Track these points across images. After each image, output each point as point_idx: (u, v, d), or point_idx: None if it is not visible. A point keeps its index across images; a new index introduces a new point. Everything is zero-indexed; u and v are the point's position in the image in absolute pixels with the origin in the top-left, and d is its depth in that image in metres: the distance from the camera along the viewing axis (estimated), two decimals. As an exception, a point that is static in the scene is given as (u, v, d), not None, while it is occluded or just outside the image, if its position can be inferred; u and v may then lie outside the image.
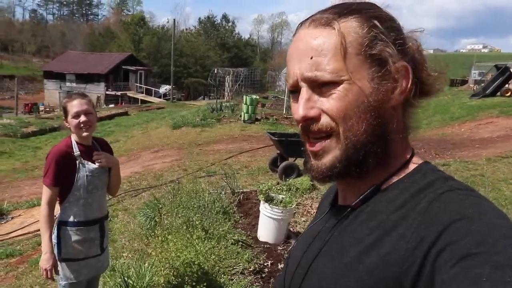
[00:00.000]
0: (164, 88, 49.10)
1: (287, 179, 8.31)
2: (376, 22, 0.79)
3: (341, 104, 0.78)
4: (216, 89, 26.42)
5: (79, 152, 2.88)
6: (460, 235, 0.62)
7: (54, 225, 2.86)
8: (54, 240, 2.84)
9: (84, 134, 2.87)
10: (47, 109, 40.02)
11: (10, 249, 6.34)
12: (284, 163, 8.97)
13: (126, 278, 3.78)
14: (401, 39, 0.81)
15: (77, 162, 2.86)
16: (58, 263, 2.83)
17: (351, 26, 0.79)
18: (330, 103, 0.78)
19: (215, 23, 76.15)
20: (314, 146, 0.83)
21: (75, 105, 2.84)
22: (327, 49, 0.78)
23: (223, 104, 22.19)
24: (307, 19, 0.84)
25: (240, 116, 19.01)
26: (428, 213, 0.69)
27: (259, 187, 5.35)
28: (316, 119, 0.80)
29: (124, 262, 4.42)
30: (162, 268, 3.81)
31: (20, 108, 37.86)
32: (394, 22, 0.83)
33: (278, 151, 9.69)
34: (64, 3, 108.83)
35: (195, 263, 3.79)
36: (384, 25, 0.80)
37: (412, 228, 0.69)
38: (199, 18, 78.43)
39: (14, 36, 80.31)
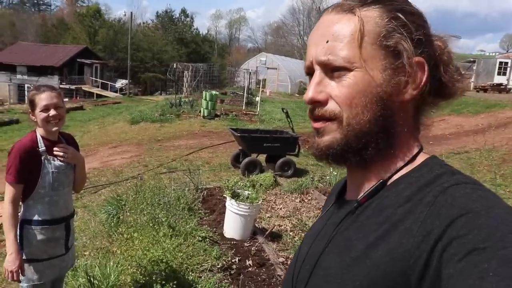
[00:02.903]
0: (120, 83, 48.07)
1: (250, 175, 8.32)
2: (398, 14, 0.79)
3: (349, 91, 0.79)
4: (175, 84, 26.08)
5: (44, 148, 2.74)
6: (467, 229, 0.62)
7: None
8: (18, 239, 2.70)
9: (54, 128, 2.73)
10: (-4, 102, 38.39)
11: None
12: (247, 159, 8.97)
13: (91, 278, 3.66)
14: (423, 35, 0.80)
15: (43, 158, 2.72)
16: None
17: (372, 15, 0.79)
18: (339, 89, 0.80)
19: (173, 17, 75.03)
20: (317, 123, 0.84)
21: (44, 98, 2.69)
22: (344, 35, 0.79)
23: (182, 100, 21.93)
24: (332, 5, 0.85)
25: (200, 111, 18.84)
26: (435, 206, 0.69)
27: (225, 183, 5.31)
28: (323, 103, 0.82)
29: (87, 262, 4.27)
30: (129, 267, 3.72)
31: (-33, 101, 36.16)
32: (418, 17, 0.82)
33: (240, 147, 9.68)
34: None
35: (163, 261, 3.72)
36: (405, 19, 0.79)
37: (419, 222, 0.69)
38: (157, 12, 77.44)
39: (-42, 24, 76.33)
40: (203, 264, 4.08)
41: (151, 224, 4.41)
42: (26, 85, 40.45)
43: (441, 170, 0.77)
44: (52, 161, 2.76)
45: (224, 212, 5.33)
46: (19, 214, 2.74)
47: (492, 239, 0.59)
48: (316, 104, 0.83)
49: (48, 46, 49.74)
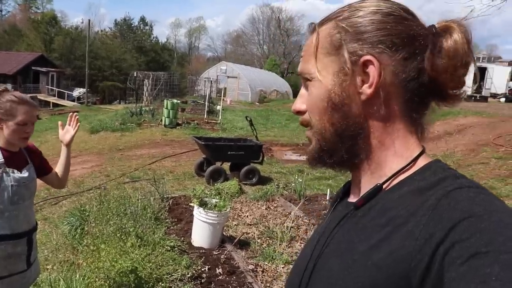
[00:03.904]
0: (77, 92, 46.93)
1: (215, 183, 8.28)
2: (343, 23, 0.84)
3: (310, 99, 0.89)
4: (136, 93, 25.67)
5: (3, 160, 2.54)
6: (469, 233, 0.62)
7: None
8: None
9: (23, 144, 2.62)
10: None
11: None
12: (211, 168, 8.93)
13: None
14: (381, 35, 0.80)
15: (0, 171, 2.52)
16: None
17: (325, 28, 0.88)
18: (306, 98, 0.91)
19: (132, 25, 74.07)
20: (306, 133, 0.93)
21: (25, 112, 2.54)
22: (308, 50, 0.90)
23: (143, 109, 21.62)
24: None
25: (161, 120, 18.63)
26: (437, 210, 0.69)
27: (192, 191, 5.27)
28: (302, 112, 0.92)
29: (50, 276, 4.13)
30: (96, 279, 3.63)
31: None
32: (384, 19, 0.82)
33: (204, 156, 9.63)
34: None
35: (132, 271, 3.64)
36: (353, 24, 0.83)
37: (421, 225, 0.69)
38: (115, 20, 75.65)
39: None
40: (173, 274, 4.01)
41: (118, 235, 4.31)
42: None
43: (444, 174, 0.78)
44: (11, 174, 2.57)
45: (191, 221, 5.28)
46: None
47: (494, 243, 0.59)
48: (299, 114, 0.93)
49: (1, 53, 48.07)
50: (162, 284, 3.79)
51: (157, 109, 21.28)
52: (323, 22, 0.89)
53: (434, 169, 0.80)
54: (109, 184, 8.70)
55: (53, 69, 45.98)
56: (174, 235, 5.17)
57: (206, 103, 23.16)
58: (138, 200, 5.88)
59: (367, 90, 0.81)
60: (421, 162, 0.83)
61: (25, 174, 2.68)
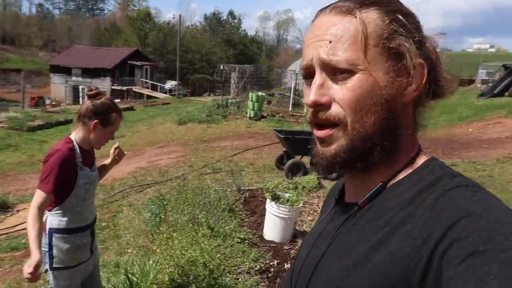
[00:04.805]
0: (169, 84, 49.07)
1: (294, 177, 8.25)
2: (398, 15, 0.79)
3: (354, 95, 0.77)
4: (222, 85, 26.31)
5: (81, 158, 2.71)
6: (467, 232, 0.62)
7: (44, 232, 2.72)
8: (45, 249, 2.68)
9: (100, 147, 2.80)
10: (53, 103, 40.07)
11: (15, 242, 6.29)
12: (290, 161, 8.90)
13: (130, 276, 3.72)
14: (419, 37, 0.80)
15: (78, 168, 2.69)
16: (50, 271, 2.69)
17: (371, 17, 0.78)
18: (343, 92, 0.78)
19: (221, 19, 75.97)
20: (321, 132, 0.82)
21: (118, 121, 2.77)
22: (346, 36, 0.77)
23: (229, 101, 22.10)
24: (328, 6, 0.84)
25: (246, 113, 18.92)
26: (435, 209, 0.68)
27: (265, 185, 5.28)
28: (326, 106, 0.80)
29: (129, 259, 4.36)
30: (167, 266, 3.75)
31: (27, 101, 37.89)
32: (414, 19, 0.82)
33: (285, 149, 9.62)
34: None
35: (200, 261, 3.73)
36: (404, 20, 0.79)
37: (419, 225, 0.68)
38: (205, 15, 78.32)
39: (21, 30, 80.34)
40: (240, 266, 4.06)
41: (190, 224, 4.45)
42: (80, 87, 42.13)
43: (442, 172, 0.77)
44: (85, 172, 2.75)
45: (265, 214, 5.30)
46: (46, 221, 2.72)
47: (492, 242, 0.59)
48: (319, 107, 0.81)
49: (101, 49, 51.69)
50: (229, 276, 3.84)
51: (243, 102, 21.66)
52: (362, 5, 0.79)
53: (431, 167, 0.80)
54: (191, 175, 8.98)
55: (147, 63, 48.46)
56: (246, 227, 5.22)
57: (292, 95, 23.17)
58: (214, 191, 6.01)
59: (412, 92, 0.80)
60: (419, 161, 0.83)
61: (94, 172, 2.88)
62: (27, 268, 2.40)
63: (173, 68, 49.22)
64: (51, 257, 2.70)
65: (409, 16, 0.81)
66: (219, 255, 3.99)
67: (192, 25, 78.00)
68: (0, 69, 62.09)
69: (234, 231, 4.78)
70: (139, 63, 46.96)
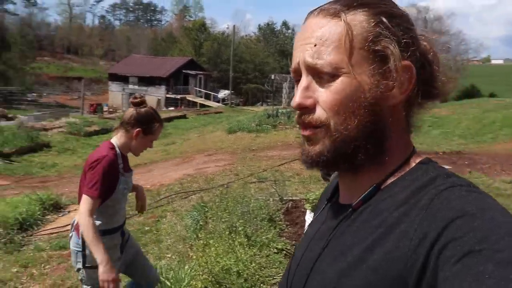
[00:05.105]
0: (223, 93, 49.80)
1: (338, 189, 8.10)
2: (383, 18, 0.78)
3: (337, 97, 0.77)
4: (273, 95, 26.42)
5: (122, 164, 2.80)
6: (462, 231, 0.62)
7: (76, 233, 2.81)
8: (78, 248, 2.78)
9: (138, 154, 2.89)
10: (111, 109, 41.64)
11: (64, 242, 6.49)
12: (336, 172, 8.74)
13: (165, 280, 3.75)
14: (409, 38, 0.78)
15: (120, 174, 2.78)
16: (82, 270, 2.78)
17: (358, 19, 0.78)
18: (326, 94, 0.78)
19: (275, 30, 76.52)
20: (306, 131, 0.83)
21: (160, 131, 2.86)
22: (331, 39, 0.77)
23: (280, 111, 22.11)
24: (316, 8, 0.84)
25: (296, 123, 18.86)
26: (430, 209, 0.68)
27: (306, 195, 5.20)
28: (311, 109, 0.80)
29: (166, 264, 4.40)
30: (201, 273, 3.76)
31: (86, 108, 39.56)
32: (405, 19, 0.81)
33: (331, 160, 9.48)
34: (131, 9, 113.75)
35: (234, 270, 3.70)
36: (392, 22, 0.78)
37: (415, 225, 0.68)
38: (259, 25, 79.20)
39: (84, 40, 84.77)
40: (275, 277, 3.99)
41: (227, 232, 4.44)
42: (136, 95, 43.47)
43: (436, 173, 0.77)
44: (125, 177, 2.83)
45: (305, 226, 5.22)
46: (74, 222, 2.82)
47: (488, 242, 0.59)
48: (303, 110, 0.81)
49: (157, 58, 53.29)
50: (264, 286, 3.79)
51: (293, 112, 21.56)
52: (349, 7, 0.79)
53: (426, 168, 0.79)
54: (236, 183, 9.01)
55: (201, 72, 49.49)
56: (285, 238, 5.16)
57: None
58: (256, 199, 5.99)
59: (399, 95, 0.79)
60: (413, 162, 0.82)
61: (131, 177, 2.95)
62: (106, 276, 2.52)
63: (227, 78, 49.95)
64: (84, 256, 2.78)
65: (400, 17, 0.80)
66: (254, 264, 3.95)
67: (246, 35, 79.03)
68: (64, 77, 65.63)
69: (272, 241, 4.73)
70: (193, 72, 48.01)
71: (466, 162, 11.45)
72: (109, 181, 2.66)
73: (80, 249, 2.78)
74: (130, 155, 2.96)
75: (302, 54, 0.80)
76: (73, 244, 2.83)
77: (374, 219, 0.76)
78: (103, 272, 2.51)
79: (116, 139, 2.84)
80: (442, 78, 0.84)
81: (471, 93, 44.35)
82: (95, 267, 2.78)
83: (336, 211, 0.90)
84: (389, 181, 0.80)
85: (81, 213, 2.59)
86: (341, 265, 0.77)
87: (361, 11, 0.78)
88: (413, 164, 0.81)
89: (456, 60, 57.04)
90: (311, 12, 0.85)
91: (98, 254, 2.53)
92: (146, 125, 2.79)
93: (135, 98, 2.90)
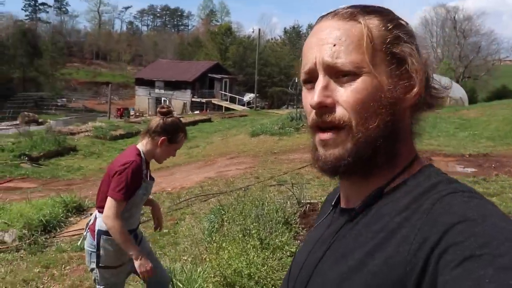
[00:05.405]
0: (248, 97, 49.97)
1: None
2: (400, 21, 0.83)
3: (359, 97, 0.78)
4: (296, 98, 26.39)
5: (145, 171, 2.89)
6: (463, 236, 0.62)
7: (91, 233, 2.91)
8: (92, 248, 2.87)
9: (162, 162, 2.99)
10: (137, 114, 42.28)
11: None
12: (355, 175, 8.69)
13: (177, 282, 3.80)
14: (417, 46, 0.83)
15: (142, 180, 2.86)
16: (96, 269, 2.87)
17: (374, 23, 0.81)
18: (347, 94, 0.79)
19: (301, 33, 76.43)
20: (326, 135, 0.82)
21: (183, 141, 2.95)
22: (351, 39, 0.79)
23: (303, 114, 22.01)
24: (329, 12, 0.85)
25: (319, 126, 18.77)
26: (432, 214, 0.69)
27: (320, 198, 5.18)
28: (331, 108, 0.80)
29: (180, 266, 4.45)
30: (213, 275, 3.79)
31: (113, 112, 40.24)
32: (409, 28, 0.85)
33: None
34: (158, 15, 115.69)
35: (245, 272, 3.72)
36: (407, 28, 0.83)
37: (416, 229, 0.69)
38: (285, 28, 79.36)
39: (113, 46, 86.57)
40: (286, 280, 4.00)
41: (241, 235, 4.46)
42: (162, 99, 44.03)
43: (438, 179, 0.78)
44: (146, 183, 2.91)
45: (320, 228, 5.19)
46: (95, 223, 2.91)
47: (488, 247, 0.60)
48: (323, 109, 0.81)
49: (183, 62, 53.93)
50: (275, 289, 3.79)
51: (316, 115, 21.50)
52: (364, 13, 0.81)
53: (428, 174, 0.80)
54: (256, 186, 9.03)
55: (226, 76, 49.82)
56: (299, 241, 5.14)
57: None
58: (272, 202, 5.99)
59: (412, 98, 0.81)
60: (416, 167, 0.83)
61: (152, 184, 3.04)
62: (143, 267, 2.75)
63: (252, 81, 50.10)
64: (98, 256, 2.87)
65: (405, 26, 0.84)
66: (266, 267, 3.96)
67: (272, 39, 79.12)
68: (92, 82, 67.10)
69: (286, 244, 4.72)
70: (218, 76, 48.34)
71: (493, 165, 11.17)
72: (134, 186, 2.76)
73: (94, 250, 2.87)
74: (152, 161, 3.05)
75: (320, 54, 0.81)
76: (88, 244, 2.93)
77: (376, 224, 0.77)
78: (140, 265, 2.73)
79: (142, 145, 2.93)
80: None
81: (502, 93, 43.28)
82: (108, 267, 2.89)
83: (340, 215, 0.92)
84: (392, 185, 0.81)
85: (108, 217, 2.70)
86: (342, 268, 0.78)
87: (374, 16, 0.81)
88: (416, 169, 0.82)
89: (487, 61, 55.79)
90: (323, 16, 0.86)
91: (132, 251, 2.73)
92: (172, 134, 2.87)
93: (163, 107, 2.99)
